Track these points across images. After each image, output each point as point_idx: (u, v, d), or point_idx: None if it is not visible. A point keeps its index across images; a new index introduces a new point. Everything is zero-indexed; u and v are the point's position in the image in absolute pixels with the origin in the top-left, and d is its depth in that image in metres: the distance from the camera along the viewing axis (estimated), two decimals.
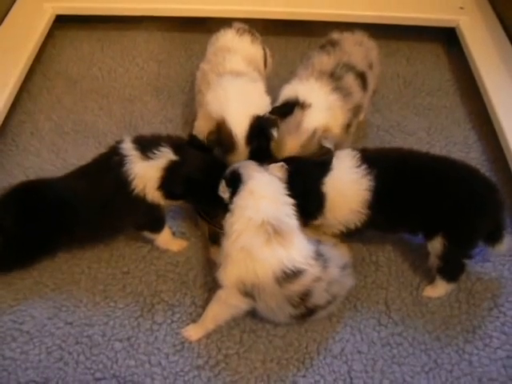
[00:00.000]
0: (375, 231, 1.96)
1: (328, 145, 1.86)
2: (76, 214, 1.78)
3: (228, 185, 1.67)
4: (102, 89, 2.62)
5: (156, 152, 1.74)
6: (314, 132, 1.87)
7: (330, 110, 1.92)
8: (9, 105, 2.32)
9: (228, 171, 1.73)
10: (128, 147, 1.78)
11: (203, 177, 1.75)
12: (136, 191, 1.75)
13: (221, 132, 1.88)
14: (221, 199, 1.68)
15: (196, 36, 2.88)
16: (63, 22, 2.85)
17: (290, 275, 1.55)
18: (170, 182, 1.75)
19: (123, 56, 2.79)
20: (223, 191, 1.67)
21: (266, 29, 2.57)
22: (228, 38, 2.17)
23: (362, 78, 2.04)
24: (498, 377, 1.71)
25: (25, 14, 2.69)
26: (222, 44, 2.16)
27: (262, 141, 1.90)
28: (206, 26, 2.82)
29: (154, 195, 1.78)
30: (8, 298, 1.85)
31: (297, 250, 1.59)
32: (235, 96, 1.90)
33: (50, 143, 2.36)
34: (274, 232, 1.57)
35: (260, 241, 1.56)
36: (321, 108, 1.90)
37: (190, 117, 2.43)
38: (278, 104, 1.96)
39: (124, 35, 2.91)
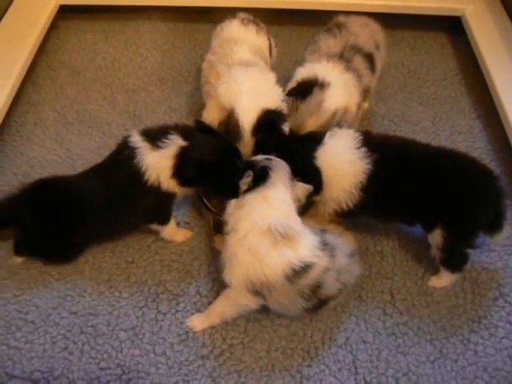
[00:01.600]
0: (373, 219, 1.95)
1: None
2: (91, 211, 1.78)
3: (253, 181, 1.63)
4: (106, 79, 2.61)
5: (165, 140, 1.74)
6: (335, 112, 1.87)
7: (347, 88, 1.92)
8: (13, 95, 2.31)
9: (259, 165, 1.68)
10: (136, 140, 1.77)
11: (215, 158, 1.74)
12: (150, 182, 1.75)
13: (229, 121, 1.89)
14: (235, 186, 1.66)
15: (199, 26, 2.87)
16: (67, 13, 2.84)
17: (300, 271, 1.54)
18: (183, 167, 1.74)
19: (127, 46, 2.78)
20: (245, 183, 1.64)
21: (270, 18, 2.55)
22: (233, 29, 2.17)
23: (369, 59, 2.05)
24: (503, 366, 1.71)
25: (28, 4, 2.68)
26: (227, 35, 2.16)
27: (268, 134, 1.89)
28: (210, 15, 2.82)
29: (169, 184, 1.77)
30: (13, 288, 1.85)
31: (303, 245, 1.57)
32: (248, 88, 1.91)
33: (54, 133, 2.36)
34: (281, 236, 1.55)
35: (267, 243, 1.55)
36: (340, 87, 1.89)
37: (194, 107, 2.43)
38: (292, 85, 1.95)
39: (127, 25, 2.89)
